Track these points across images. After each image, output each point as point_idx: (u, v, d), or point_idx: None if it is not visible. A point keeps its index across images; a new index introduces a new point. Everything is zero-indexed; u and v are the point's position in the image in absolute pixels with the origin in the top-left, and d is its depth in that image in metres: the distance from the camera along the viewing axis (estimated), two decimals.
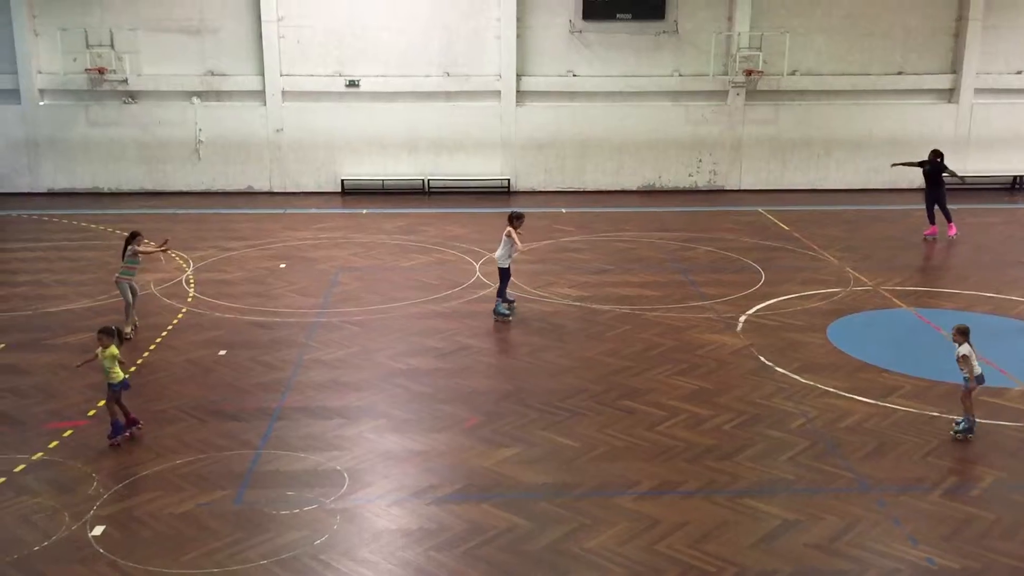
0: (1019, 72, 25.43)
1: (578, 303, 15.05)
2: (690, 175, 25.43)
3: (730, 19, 24.54)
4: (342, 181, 24.73)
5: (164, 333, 13.53)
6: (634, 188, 25.34)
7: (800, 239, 19.64)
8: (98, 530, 8.27)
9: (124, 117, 24.11)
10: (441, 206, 23.07)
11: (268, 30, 23.69)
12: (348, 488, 9.07)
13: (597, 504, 8.80)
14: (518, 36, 24.20)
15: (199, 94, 24.18)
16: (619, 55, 24.67)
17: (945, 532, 8.34)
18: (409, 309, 14.71)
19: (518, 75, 24.44)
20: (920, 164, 19.83)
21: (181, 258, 17.71)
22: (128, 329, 13.09)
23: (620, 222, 21.39)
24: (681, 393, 11.45)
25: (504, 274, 14.27)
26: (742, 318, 14.32)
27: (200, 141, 24.37)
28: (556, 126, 24.88)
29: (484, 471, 9.45)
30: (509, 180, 24.99)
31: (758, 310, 14.70)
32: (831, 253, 18.42)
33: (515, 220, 14.23)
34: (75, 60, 23.44)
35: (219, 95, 24.25)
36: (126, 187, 24.45)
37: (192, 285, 15.99)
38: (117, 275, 13.44)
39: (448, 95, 24.53)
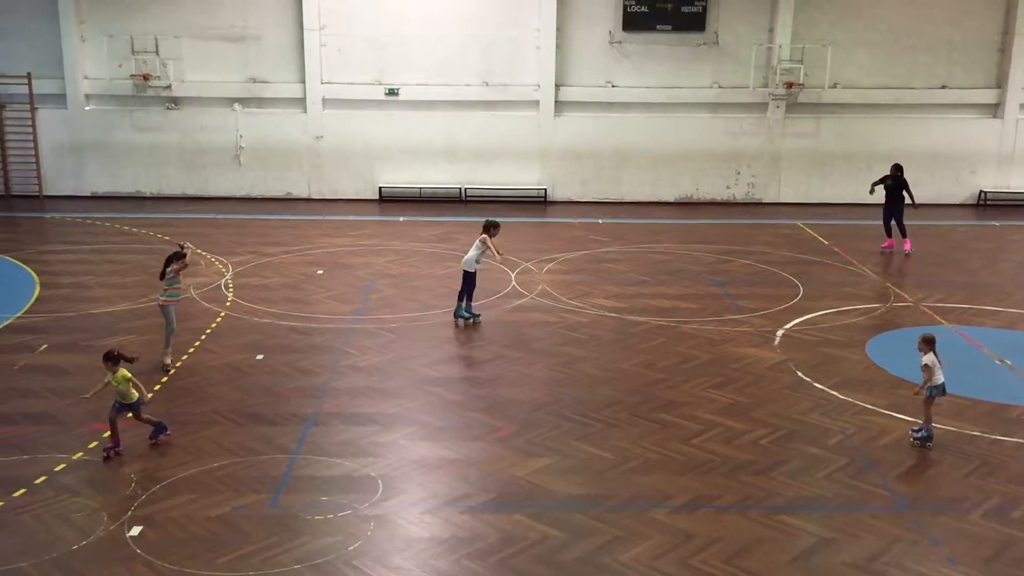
0: None
1: (613, 314, 15.01)
2: (728, 187, 25.29)
3: (771, 31, 24.41)
4: (380, 188, 24.89)
5: (203, 337, 13.68)
6: (671, 200, 25.24)
7: (839, 253, 19.45)
8: (135, 530, 8.37)
9: (167, 122, 24.46)
10: (478, 215, 22.96)
11: (310, 38, 23.93)
12: (382, 495, 9.10)
13: (631, 517, 8.76)
14: (557, 46, 24.25)
15: (241, 101, 24.48)
16: (658, 66, 24.63)
17: (985, 554, 8.19)
18: (444, 317, 14.75)
19: (557, 85, 24.48)
20: (883, 180, 19.79)
21: (220, 263, 17.91)
22: (168, 360, 12.26)
23: (656, 233, 21.32)
24: (716, 407, 11.36)
25: (469, 278, 14.29)
26: (779, 332, 14.20)
27: (241, 147, 24.65)
28: (593, 136, 24.87)
29: (517, 481, 9.44)
30: (546, 190, 25.00)
31: (796, 324, 14.57)
32: (871, 268, 18.22)
33: (491, 228, 14.34)
34: (120, 66, 23.82)
35: (260, 102, 24.53)
36: (168, 191, 24.79)
37: (231, 289, 16.16)
38: (161, 299, 12.39)
39: (487, 104, 24.61)
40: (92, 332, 13.80)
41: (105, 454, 9.73)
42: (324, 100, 24.41)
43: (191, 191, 24.82)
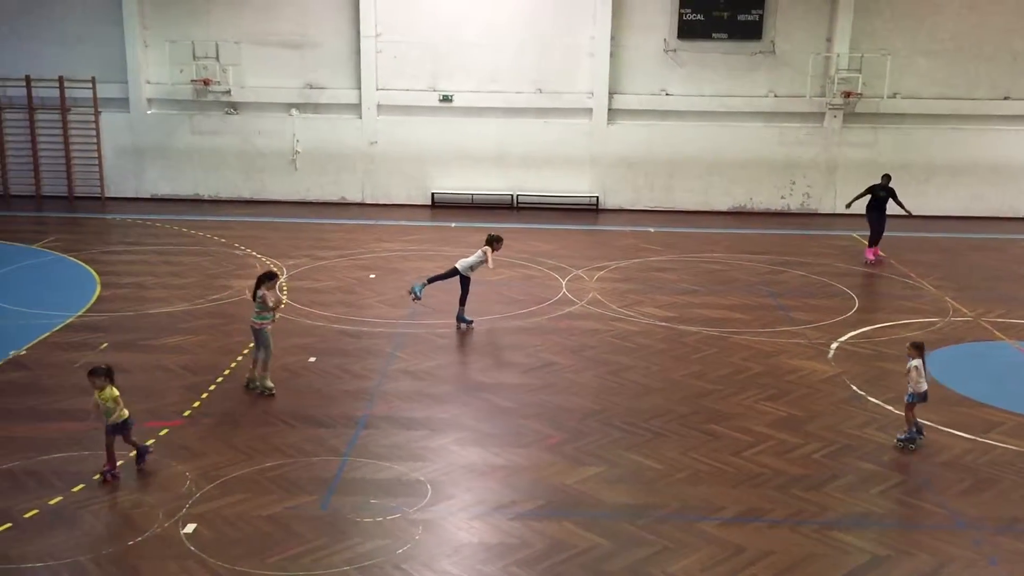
0: None
1: (664, 323, 14.92)
2: (782, 197, 25.01)
3: (829, 40, 24.12)
4: (432, 194, 25.05)
5: None
6: (724, 209, 25.03)
7: (896, 266, 19.12)
8: (190, 528, 8.51)
9: (226, 127, 24.89)
10: (529, 222, 23.17)
11: (366, 45, 24.20)
12: (431, 499, 9.15)
13: (680, 528, 8.69)
14: (611, 54, 24.21)
15: (297, 106, 24.82)
16: (713, 74, 24.46)
17: None
18: (495, 323, 14.79)
19: (610, 93, 24.43)
20: (871, 190, 19.59)
21: (275, 265, 18.16)
22: (270, 383, 11.70)
23: (709, 243, 21.16)
24: (769, 419, 11.23)
25: (465, 282, 14.51)
26: (834, 345, 14.00)
27: (297, 152, 24.99)
28: (646, 145, 24.77)
29: (566, 489, 9.43)
30: (597, 197, 24.96)
31: (851, 337, 14.35)
32: (929, 281, 17.88)
33: (494, 243, 14.55)
34: (182, 71, 24.30)
35: (316, 107, 24.85)
36: (225, 195, 25.21)
37: (285, 292, 16.37)
38: (256, 321, 11.67)
39: (539, 111, 24.65)
40: (150, 332, 14.08)
41: (102, 477, 9.26)
42: (379, 106, 24.65)
43: (248, 194, 25.22)
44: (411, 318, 14.98)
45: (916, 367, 10.30)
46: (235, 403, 11.43)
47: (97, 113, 24.55)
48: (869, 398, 11.91)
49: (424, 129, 24.74)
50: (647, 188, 25.05)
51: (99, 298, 15.86)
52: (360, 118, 24.76)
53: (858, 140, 24.66)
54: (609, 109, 24.54)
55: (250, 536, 8.42)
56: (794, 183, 24.88)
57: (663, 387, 12.26)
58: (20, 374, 12.29)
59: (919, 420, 10.63)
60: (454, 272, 14.55)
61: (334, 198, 25.24)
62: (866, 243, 19.92)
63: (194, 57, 24.25)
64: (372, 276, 17.60)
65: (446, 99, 24.59)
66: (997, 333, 14.70)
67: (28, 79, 24.16)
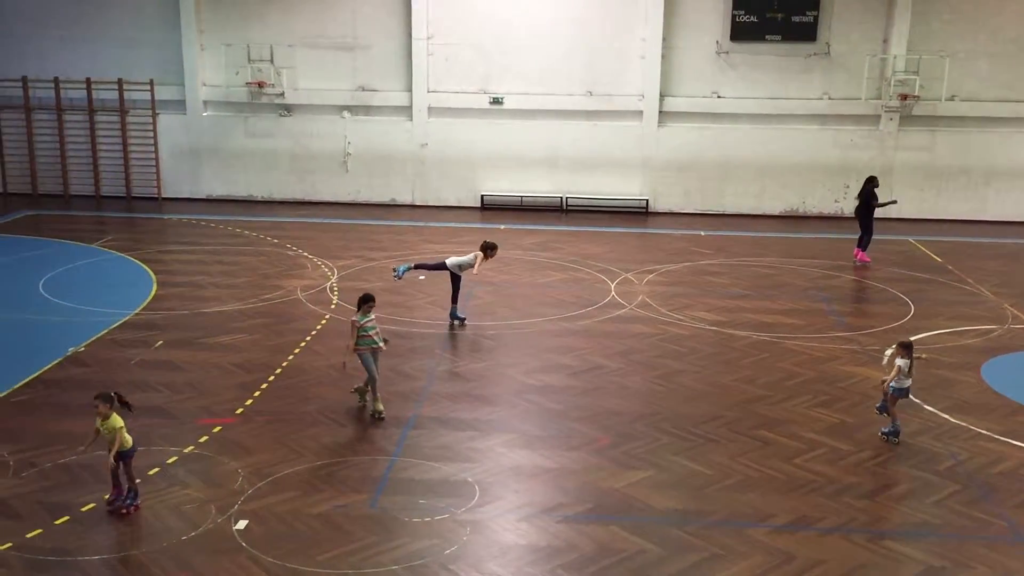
0: None
1: (714, 327, 14.79)
2: (836, 201, 24.65)
3: (886, 42, 23.72)
4: (482, 196, 25.12)
5: (308, 338, 14.03)
6: (776, 213, 24.74)
7: (953, 271, 18.74)
8: (241, 524, 8.63)
9: (279, 129, 25.22)
10: (578, 224, 23.12)
11: (417, 47, 24.35)
12: (478, 500, 9.17)
13: (729, 534, 8.60)
14: (663, 56, 24.06)
15: (349, 108, 25.06)
16: (766, 77, 24.20)
17: None
18: (543, 326, 14.78)
19: (661, 95, 24.29)
20: (879, 201, 19.52)
21: (326, 266, 18.35)
22: (380, 407, 11.10)
23: (760, 247, 20.93)
24: (821, 426, 11.07)
25: (456, 280, 14.71)
26: (888, 351, 13.70)
27: (348, 154, 25.23)
28: (697, 147, 24.58)
29: (614, 492, 9.39)
30: (647, 200, 24.82)
31: None
32: (987, 288, 17.49)
33: (488, 251, 14.72)
34: (237, 74, 24.67)
35: (368, 110, 25.06)
36: (278, 196, 25.54)
37: (335, 292, 16.53)
38: (354, 345, 11.17)
39: (589, 114, 24.59)
40: (204, 330, 14.31)
41: (109, 507, 8.79)
42: (430, 108, 24.78)
43: (299, 196, 25.51)
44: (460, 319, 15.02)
45: (901, 366, 10.51)
46: (286, 401, 11.57)
47: (155, 115, 25.03)
48: (925, 406, 11.68)
49: (474, 131, 24.82)
50: (697, 191, 24.85)
51: (155, 296, 16.16)
52: (411, 120, 24.92)
53: (915, 143, 24.21)
54: (660, 111, 24.39)
55: (300, 533, 8.51)
56: (848, 187, 24.48)
57: (713, 392, 12.15)
58: (79, 370, 12.57)
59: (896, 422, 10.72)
60: (442, 266, 14.84)
61: (384, 200, 25.43)
62: (923, 248, 19.55)
63: (249, 60, 24.60)
64: (421, 277, 17.67)
65: (496, 101, 24.65)
66: None
67: (88, 81, 24.72)
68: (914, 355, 10.68)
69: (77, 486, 9.26)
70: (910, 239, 21.80)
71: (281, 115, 25.13)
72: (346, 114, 25.07)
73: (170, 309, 15.38)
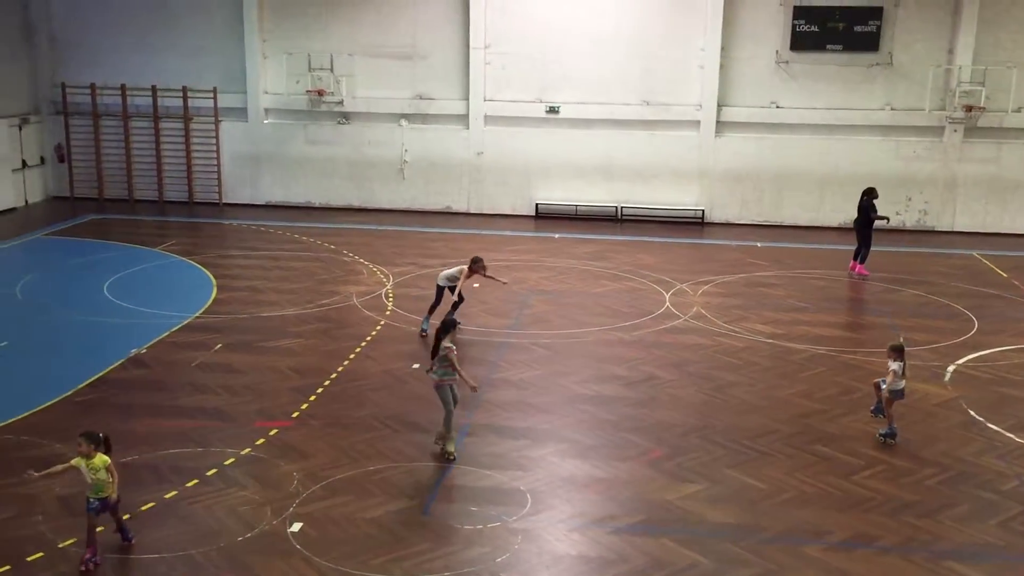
0: None
1: (771, 340, 14.61)
2: (898, 213, 24.17)
3: (951, 52, 23.26)
4: (536, 205, 25.14)
5: (363, 343, 14.17)
6: (835, 225, 24.36)
7: (1020, 287, 18.27)
8: (296, 527, 8.74)
9: (338, 136, 25.53)
10: (633, 234, 23.02)
11: (475, 56, 24.49)
12: (530, 509, 9.17)
13: (784, 551, 8.48)
14: (721, 66, 23.88)
15: (407, 116, 25.28)
16: (826, 87, 23.87)
17: None
18: (597, 335, 14.74)
19: (719, 105, 24.11)
20: (878, 214, 19.34)
21: (382, 272, 18.51)
22: (452, 448, 10.27)
23: (819, 259, 20.63)
24: (880, 442, 10.86)
25: (439, 293, 14.62)
26: (950, 368, 13.46)
27: (405, 161, 25.45)
28: (756, 158, 24.33)
29: (666, 505, 9.32)
30: (703, 211, 24.63)
31: (969, 360, 13.77)
32: None
33: (474, 264, 14.52)
34: (298, 82, 25.05)
35: (425, 118, 25.26)
36: (335, 203, 25.84)
37: (391, 299, 16.67)
38: (433, 377, 10.41)
39: (646, 124, 24.49)
40: (263, 334, 14.53)
41: (83, 567, 7.97)
42: (486, 117, 24.89)
43: (356, 203, 25.78)
44: (513, 328, 15.06)
45: (895, 370, 10.72)
46: (341, 406, 11.69)
47: (217, 122, 25.52)
48: (988, 424, 11.41)
49: (530, 140, 24.86)
50: (755, 202, 24.59)
51: (215, 300, 16.45)
52: (467, 128, 25.06)
53: (980, 156, 23.68)
54: (717, 121, 24.20)
55: (354, 537, 8.59)
56: (910, 199, 24.04)
57: (768, 405, 12.00)
58: (140, 372, 12.85)
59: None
60: (441, 290, 14.67)
61: (440, 207, 25.59)
62: (987, 263, 19.12)
63: (309, 68, 24.96)
64: (476, 285, 17.72)
65: (553, 111, 24.67)
66: None
67: (154, 89, 25.31)
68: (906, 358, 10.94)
69: (137, 486, 9.44)
70: (974, 253, 21.32)
71: (340, 123, 25.44)
72: (403, 122, 25.30)
73: (229, 313, 15.64)
